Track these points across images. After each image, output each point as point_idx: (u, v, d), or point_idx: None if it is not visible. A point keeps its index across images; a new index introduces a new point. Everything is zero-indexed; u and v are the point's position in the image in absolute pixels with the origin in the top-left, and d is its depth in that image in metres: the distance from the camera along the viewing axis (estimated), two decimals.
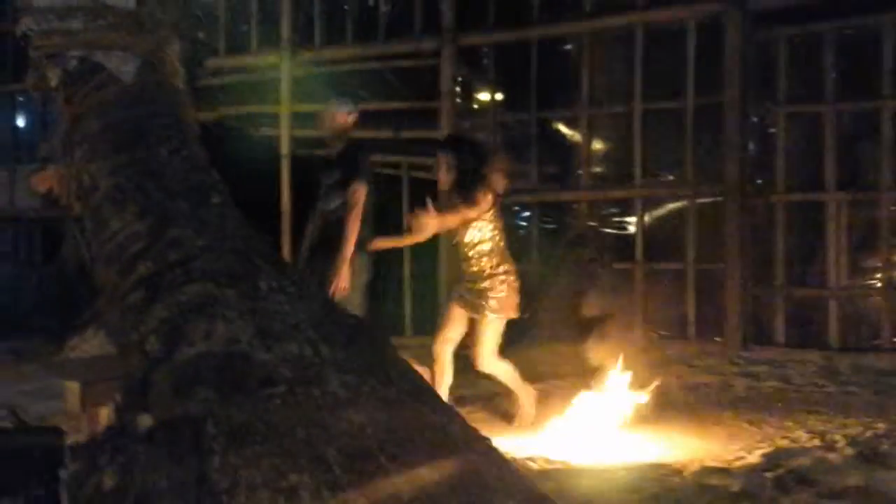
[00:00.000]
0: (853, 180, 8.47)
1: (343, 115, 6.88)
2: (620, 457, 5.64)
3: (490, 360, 6.37)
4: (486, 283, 6.30)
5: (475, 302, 6.31)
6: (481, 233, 6.30)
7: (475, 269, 6.32)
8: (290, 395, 3.09)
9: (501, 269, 6.35)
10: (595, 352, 7.52)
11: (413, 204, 9.81)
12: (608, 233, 9.59)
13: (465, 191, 6.28)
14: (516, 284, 6.41)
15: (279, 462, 2.90)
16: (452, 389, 6.62)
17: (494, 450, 3.47)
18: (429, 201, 6.20)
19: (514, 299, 6.40)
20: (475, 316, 6.32)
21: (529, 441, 6.07)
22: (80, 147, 3.73)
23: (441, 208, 6.27)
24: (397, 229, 8.09)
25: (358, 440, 3.03)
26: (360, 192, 6.58)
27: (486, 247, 6.32)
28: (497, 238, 6.34)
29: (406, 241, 7.02)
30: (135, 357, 3.34)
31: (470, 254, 6.33)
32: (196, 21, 10.36)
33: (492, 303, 6.30)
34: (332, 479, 2.87)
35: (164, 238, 3.45)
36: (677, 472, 4.96)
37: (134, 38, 3.75)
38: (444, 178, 6.42)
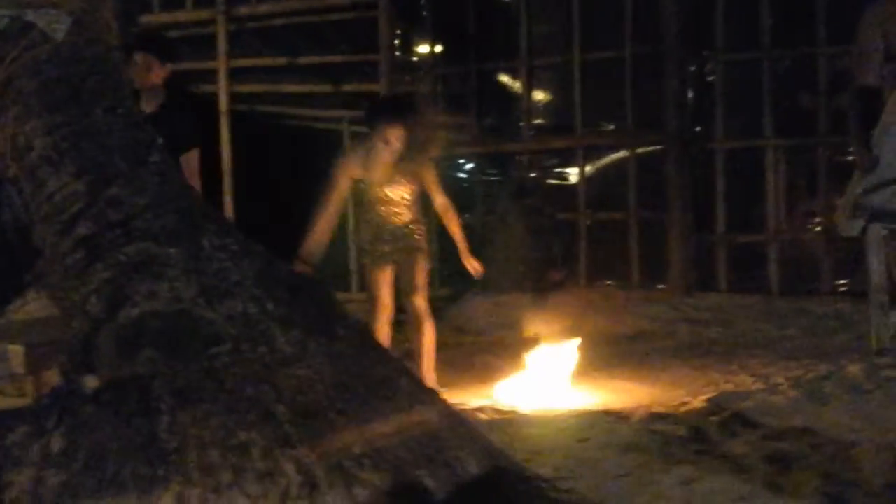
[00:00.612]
0: (792, 127, 8.54)
1: (156, 65, 6.16)
2: (568, 405, 5.70)
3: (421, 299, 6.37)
4: (413, 227, 6.34)
5: (408, 245, 6.30)
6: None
7: (404, 218, 6.32)
8: (237, 353, 3.08)
9: (421, 217, 6.45)
10: (540, 302, 7.57)
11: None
12: (551, 183, 9.63)
13: (412, 161, 6.25)
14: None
15: (228, 420, 2.90)
16: (399, 343, 6.63)
17: (443, 402, 3.49)
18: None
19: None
20: (408, 260, 6.30)
21: (478, 392, 6.11)
22: (14, 108, 3.66)
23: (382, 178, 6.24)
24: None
25: (306, 396, 3.03)
26: (195, 159, 6.19)
27: (412, 197, 6.34)
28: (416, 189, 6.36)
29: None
30: (78, 318, 3.30)
31: (396, 208, 6.31)
32: None
33: (423, 243, 6.33)
34: (281, 435, 2.88)
35: (102, 197, 3.41)
36: (624, 418, 5.02)
37: None
38: (394, 151, 6.22)
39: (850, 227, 5.87)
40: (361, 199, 6.54)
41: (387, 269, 6.36)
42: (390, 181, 6.25)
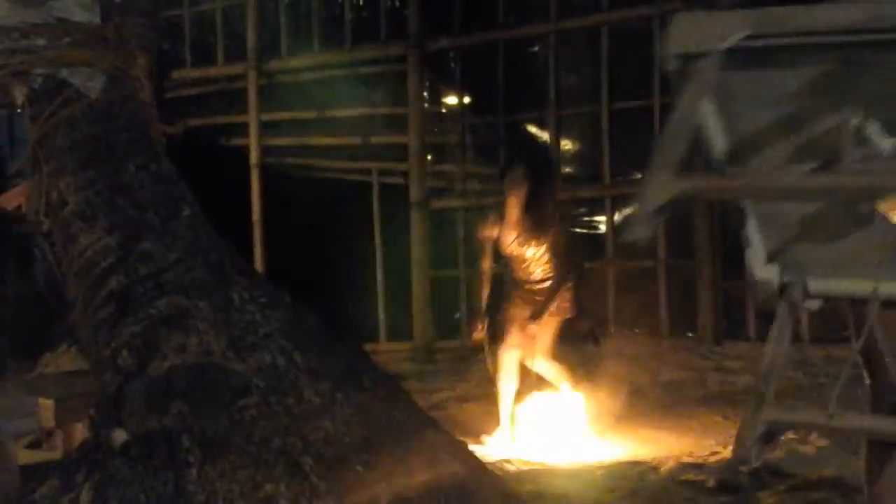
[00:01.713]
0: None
1: None
2: (596, 456, 5.67)
3: (544, 361, 6.37)
4: (545, 285, 6.30)
5: (536, 305, 6.29)
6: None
7: (536, 276, 6.31)
8: (265, 405, 3.11)
9: (560, 275, 6.36)
10: (568, 350, 7.55)
11: (383, 212, 9.90)
12: (579, 232, 9.64)
13: (537, 217, 6.25)
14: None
15: (255, 472, 2.92)
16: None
17: (470, 454, 3.49)
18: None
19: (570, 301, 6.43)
20: (532, 320, 6.27)
21: (506, 443, 6.09)
22: (48, 163, 3.73)
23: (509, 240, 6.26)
24: (366, 238, 8.08)
25: (333, 448, 3.05)
26: None
27: (544, 255, 6.32)
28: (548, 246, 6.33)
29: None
30: (108, 372, 3.34)
31: (527, 266, 6.31)
32: (161, 33, 10.33)
33: (554, 304, 6.29)
34: (308, 487, 2.90)
35: (134, 252, 3.46)
36: (653, 468, 5.00)
37: (99, 54, 3.75)
38: (514, 206, 6.23)
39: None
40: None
41: (514, 327, 6.32)
42: (518, 238, 6.25)
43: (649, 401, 7.08)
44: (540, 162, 6.58)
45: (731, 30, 1.99)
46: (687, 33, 2.11)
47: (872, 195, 2.10)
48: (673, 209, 2.28)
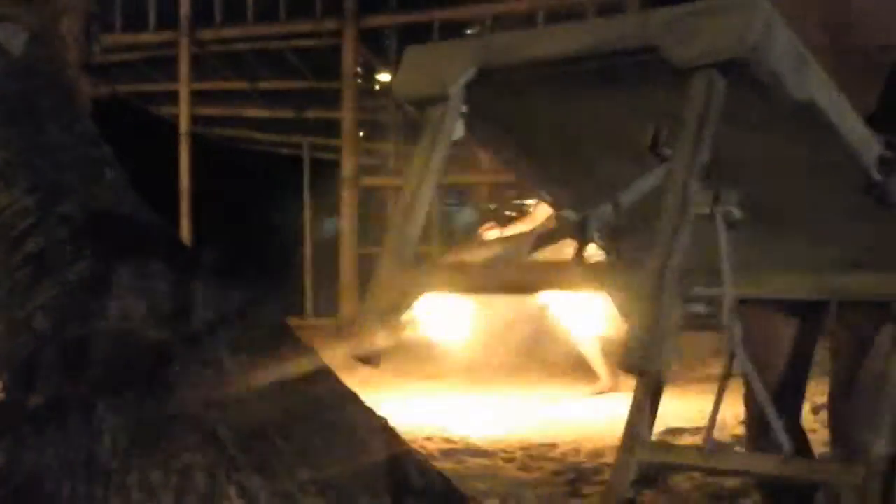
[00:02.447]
0: None
1: None
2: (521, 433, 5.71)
3: None
4: None
5: None
6: None
7: None
8: (184, 375, 3.06)
9: None
10: None
11: (313, 187, 9.85)
12: (509, 215, 9.68)
13: None
14: None
15: (172, 442, 2.88)
16: None
17: (392, 430, 3.48)
18: None
19: None
20: None
21: (430, 418, 6.10)
22: None
23: None
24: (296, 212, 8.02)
25: (252, 420, 3.01)
26: None
27: None
28: None
29: None
30: (22, 335, 3.27)
31: None
32: None
33: None
34: (226, 458, 2.85)
35: (53, 213, 3.39)
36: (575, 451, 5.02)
37: (23, 11, 3.67)
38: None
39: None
40: None
41: None
42: None
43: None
44: None
45: (458, 68, 1.66)
46: (414, 74, 1.76)
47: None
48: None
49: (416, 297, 1.63)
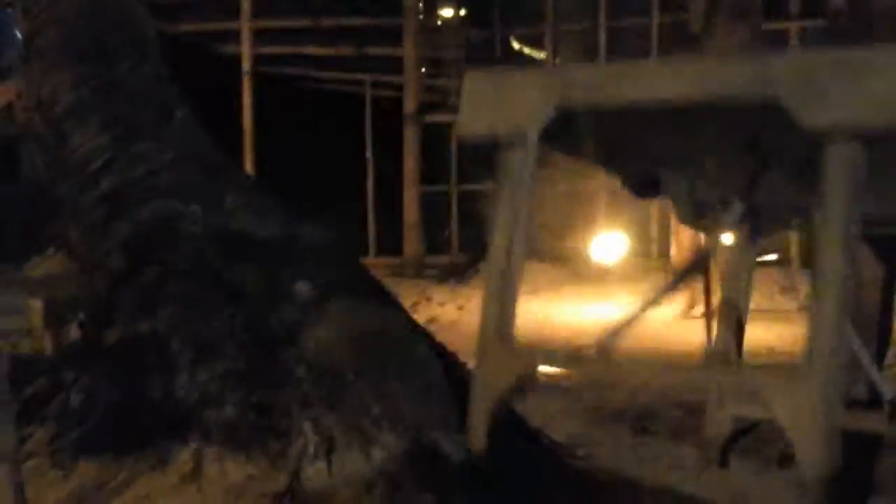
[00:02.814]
0: None
1: None
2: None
3: None
4: None
5: None
6: None
7: None
8: (258, 311, 3.07)
9: None
10: None
11: (375, 125, 9.82)
12: None
13: None
14: None
15: (247, 379, 2.90)
16: None
17: (461, 366, 3.48)
18: None
19: None
20: None
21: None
22: (39, 61, 3.65)
23: None
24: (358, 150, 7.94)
25: (326, 356, 3.02)
26: None
27: None
28: None
29: None
30: (98, 274, 3.30)
31: None
32: None
33: None
34: (300, 395, 2.87)
35: (128, 152, 3.40)
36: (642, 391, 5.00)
37: None
38: None
39: None
40: None
41: None
42: None
43: None
44: None
45: (534, 108, 1.42)
46: (482, 111, 1.50)
47: None
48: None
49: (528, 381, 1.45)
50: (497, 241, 1.45)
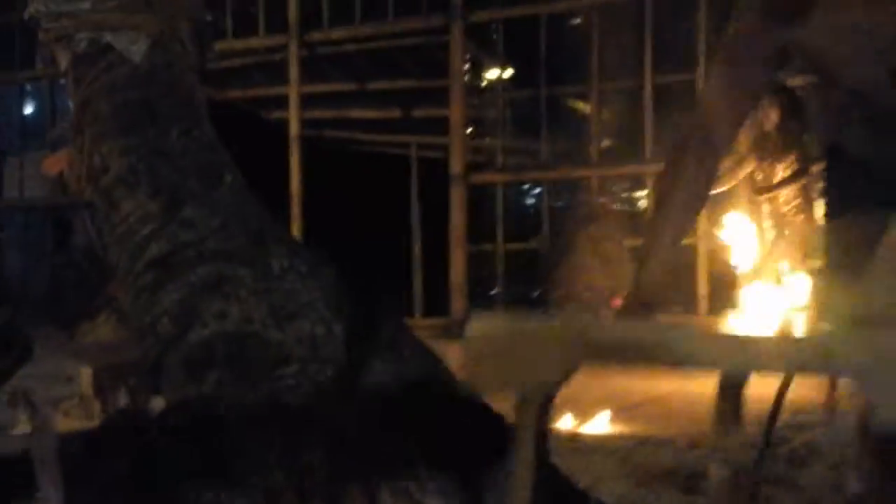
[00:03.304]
0: None
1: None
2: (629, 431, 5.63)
3: None
4: None
5: None
6: None
7: None
8: (303, 375, 3.08)
9: None
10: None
11: (422, 186, 9.87)
12: (620, 209, 9.56)
13: None
14: None
15: (293, 440, 2.89)
16: None
17: (503, 421, 3.45)
18: None
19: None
20: None
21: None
22: (91, 129, 3.70)
23: None
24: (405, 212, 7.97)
25: (375, 418, 3.02)
26: None
27: None
28: None
29: None
30: (147, 340, 3.32)
31: None
32: (204, 2, 10.31)
33: None
34: (348, 457, 2.86)
35: (176, 218, 3.43)
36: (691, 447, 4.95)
37: (143, 18, 3.72)
38: None
39: None
40: None
41: None
42: None
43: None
44: None
45: (549, 367, 1.34)
46: (490, 366, 1.43)
47: None
48: None
49: None
50: (516, 483, 1.40)
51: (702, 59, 8.60)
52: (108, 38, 3.70)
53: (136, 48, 3.69)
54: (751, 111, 5.15)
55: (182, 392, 3.08)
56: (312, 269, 3.49)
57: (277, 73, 10.18)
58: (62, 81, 4.06)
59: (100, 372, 4.50)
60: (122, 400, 3.76)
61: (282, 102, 10.16)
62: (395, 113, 10.04)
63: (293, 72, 10.06)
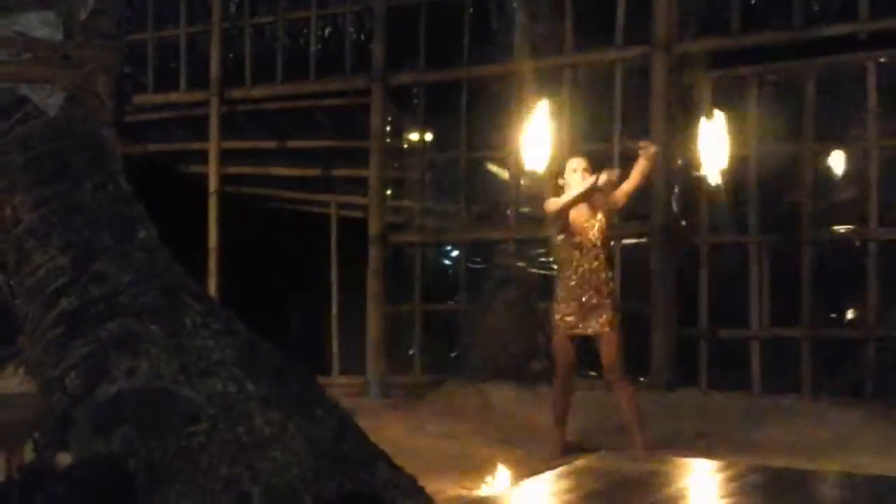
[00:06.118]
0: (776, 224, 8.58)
1: None
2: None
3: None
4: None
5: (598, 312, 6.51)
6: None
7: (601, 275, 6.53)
8: (214, 433, 3.06)
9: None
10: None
11: (341, 246, 9.90)
12: (536, 273, 9.64)
13: None
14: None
15: (202, 501, 2.87)
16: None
17: (421, 490, 3.45)
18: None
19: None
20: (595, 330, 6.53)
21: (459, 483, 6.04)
22: (3, 180, 3.67)
23: None
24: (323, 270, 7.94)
25: (282, 478, 3.01)
26: None
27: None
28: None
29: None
30: (55, 394, 3.28)
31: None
32: (124, 56, 10.28)
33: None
34: None
35: (87, 272, 3.41)
36: None
37: (59, 72, 3.71)
38: None
39: None
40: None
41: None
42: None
43: (598, 444, 7.07)
44: None
45: None
46: None
47: None
48: None
49: None
50: None
51: (617, 129, 8.76)
52: (24, 90, 3.69)
53: (52, 101, 3.68)
54: None
55: (90, 448, 3.04)
56: (226, 326, 3.48)
57: (198, 128, 10.16)
58: None
59: (5, 427, 4.41)
60: (28, 455, 3.68)
61: (202, 157, 10.14)
62: (316, 171, 10.06)
63: (213, 127, 10.05)
